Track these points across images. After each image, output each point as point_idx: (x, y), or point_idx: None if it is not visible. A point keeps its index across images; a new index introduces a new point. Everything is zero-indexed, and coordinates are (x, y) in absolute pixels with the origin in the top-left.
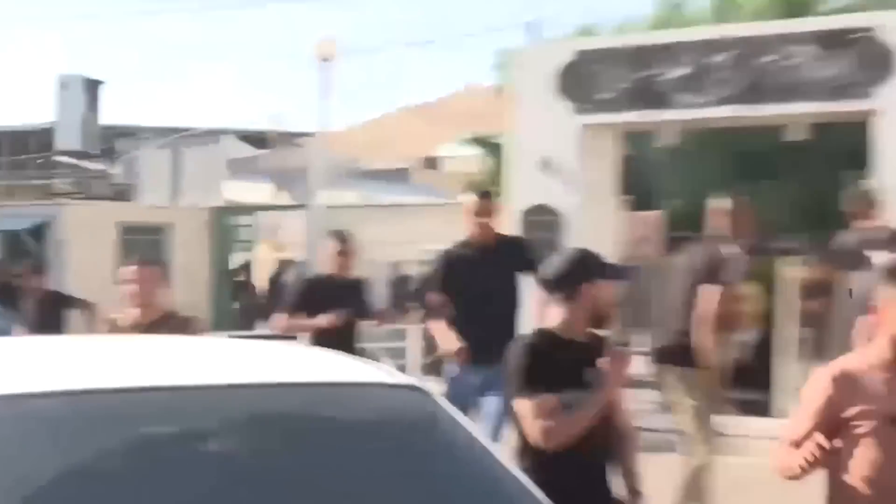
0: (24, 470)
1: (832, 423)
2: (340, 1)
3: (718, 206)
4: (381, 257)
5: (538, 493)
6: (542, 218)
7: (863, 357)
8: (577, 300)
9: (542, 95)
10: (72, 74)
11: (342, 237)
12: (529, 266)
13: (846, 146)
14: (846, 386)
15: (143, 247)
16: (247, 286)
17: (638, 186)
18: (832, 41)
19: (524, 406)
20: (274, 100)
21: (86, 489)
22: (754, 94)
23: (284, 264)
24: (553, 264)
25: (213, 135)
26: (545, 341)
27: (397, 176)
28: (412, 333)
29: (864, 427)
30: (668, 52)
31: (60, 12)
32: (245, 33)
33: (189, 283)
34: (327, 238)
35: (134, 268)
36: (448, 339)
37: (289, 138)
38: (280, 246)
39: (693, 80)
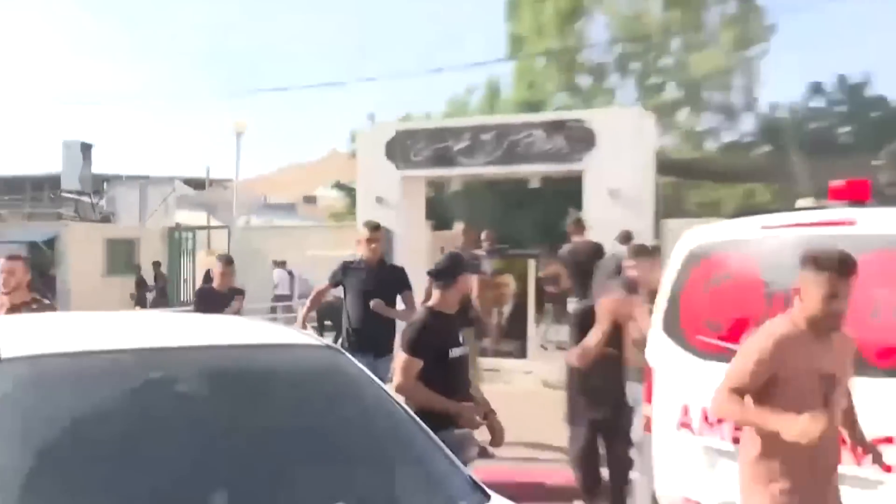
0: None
1: (769, 376)
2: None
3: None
4: (276, 259)
5: (419, 421)
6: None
7: (792, 324)
8: (453, 286)
9: (376, 158)
10: (72, 140)
11: (226, 260)
12: (402, 283)
13: (567, 190)
14: (784, 346)
15: (121, 254)
16: (143, 285)
17: (438, 216)
18: (557, 126)
19: (400, 359)
20: (209, 156)
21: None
22: (508, 158)
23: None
24: (439, 262)
25: (168, 180)
26: (430, 315)
27: (289, 208)
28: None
29: (796, 383)
30: (455, 132)
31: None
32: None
33: (151, 275)
34: (217, 260)
35: (4, 261)
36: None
37: (218, 182)
38: (212, 253)
39: (470, 149)
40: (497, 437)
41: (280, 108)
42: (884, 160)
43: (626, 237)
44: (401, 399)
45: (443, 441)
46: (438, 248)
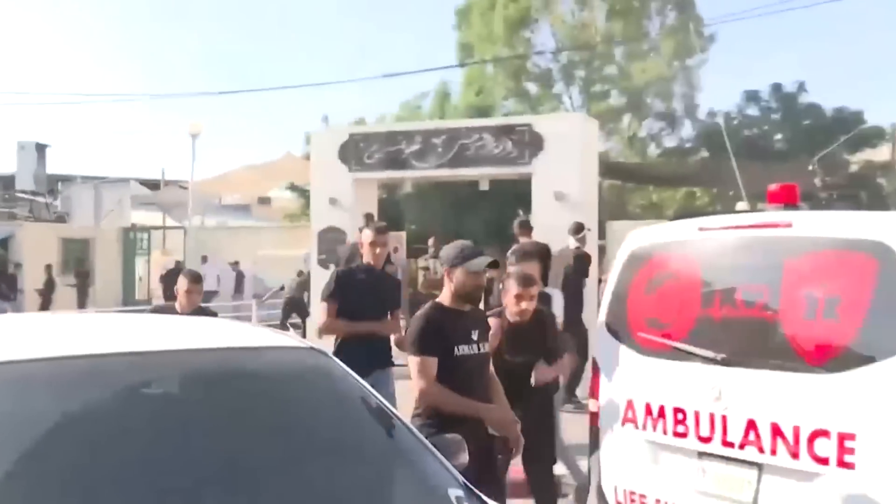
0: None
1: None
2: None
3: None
4: (229, 259)
5: (407, 423)
6: (333, 235)
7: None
8: (451, 279)
9: (330, 160)
10: (27, 140)
11: (192, 277)
12: (396, 299)
13: (516, 192)
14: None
15: (75, 253)
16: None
17: (389, 217)
18: (506, 131)
19: (413, 361)
20: (165, 157)
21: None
22: (459, 161)
23: (168, 264)
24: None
25: (124, 180)
26: (436, 310)
27: (243, 209)
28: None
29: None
30: (407, 135)
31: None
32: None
33: (106, 275)
34: (183, 277)
35: None
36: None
37: (174, 183)
38: (167, 252)
39: (422, 152)
40: (516, 446)
41: (237, 109)
42: (817, 165)
43: (577, 228)
44: (419, 404)
45: (433, 445)
46: (391, 249)
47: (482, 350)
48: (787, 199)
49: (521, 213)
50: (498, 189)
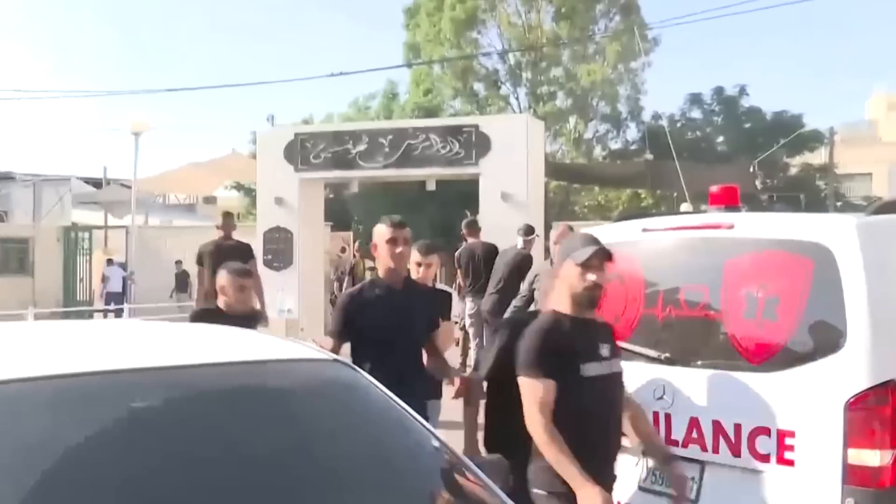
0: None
1: None
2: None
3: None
4: (173, 258)
5: (438, 437)
6: (278, 235)
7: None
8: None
9: (275, 160)
10: None
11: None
12: (443, 307)
13: (463, 193)
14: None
15: (14, 253)
16: None
17: (336, 217)
18: (453, 131)
19: (525, 386)
20: (109, 155)
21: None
22: (406, 161)
23: (109, 262)
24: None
25: (64, 179)
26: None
27: (188, 208)
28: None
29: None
30: (353, 135)
31: None
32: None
33: (46, 275)
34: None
35: None
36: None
37: (116, 182)
38: (109, 252)
39: (368, 152)
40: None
41: (183, 106)
42: (757, 168)
43: (528, 230)
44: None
45: (475, 464)
46: (338, 248)
47: (615, 369)
48: (729, 201)
49: (468, 213)
50: (445, 189)
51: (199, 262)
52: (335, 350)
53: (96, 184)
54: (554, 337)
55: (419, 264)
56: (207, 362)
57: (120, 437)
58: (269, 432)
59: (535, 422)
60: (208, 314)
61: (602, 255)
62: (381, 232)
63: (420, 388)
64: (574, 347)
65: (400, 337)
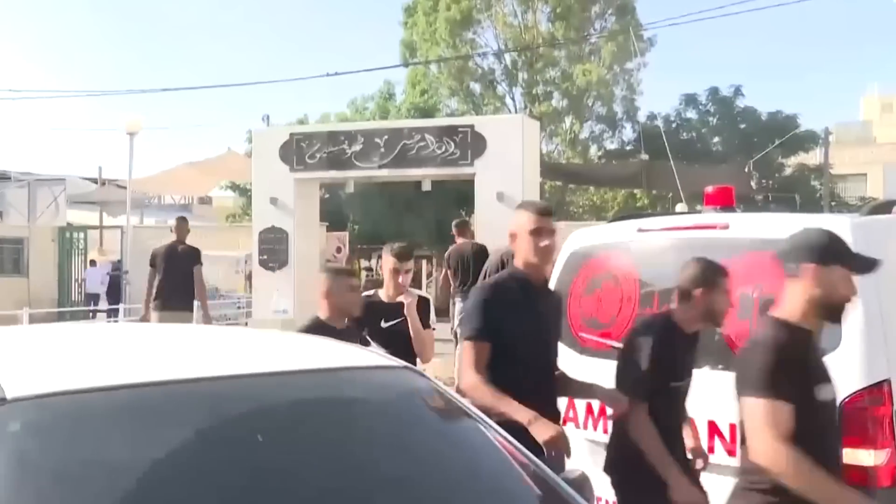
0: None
1: None
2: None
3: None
4: None
5: (529, 454)
6: (273, 235)
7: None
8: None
9: (271, 160)
10: None
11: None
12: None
13: (459, 193)
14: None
15: (9, 253)
16: None
17: (332, 217)
18: (449, 131)
19: (759, 408)
20: (105, 155)
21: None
22: (401, 162)
23: (92, 264)
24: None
25: (59, 179)
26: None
27: (182, 207)
28: None
29: None
30: (349, 135)
31: None
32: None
33: (40, 275)
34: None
35: None
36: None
37: (112, 182)
38: (104, 252)
39: (364, 152)
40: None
41: (179, 107)
42: (752, 168)
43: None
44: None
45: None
46: (334, 248)
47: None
48: (724, 202)
49: (463, 213)
50: (440, 189)
51: (152, 263)
52: (480, 361)
53: (92, 182)
54: (788, 354)
55: (397, 271)
56: (281, 370)
57: (206, 446)
58: (343, 442)
59: (779, 457)
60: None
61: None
62: (524, 220)
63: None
64: (808, 366)
65: (541, 351)
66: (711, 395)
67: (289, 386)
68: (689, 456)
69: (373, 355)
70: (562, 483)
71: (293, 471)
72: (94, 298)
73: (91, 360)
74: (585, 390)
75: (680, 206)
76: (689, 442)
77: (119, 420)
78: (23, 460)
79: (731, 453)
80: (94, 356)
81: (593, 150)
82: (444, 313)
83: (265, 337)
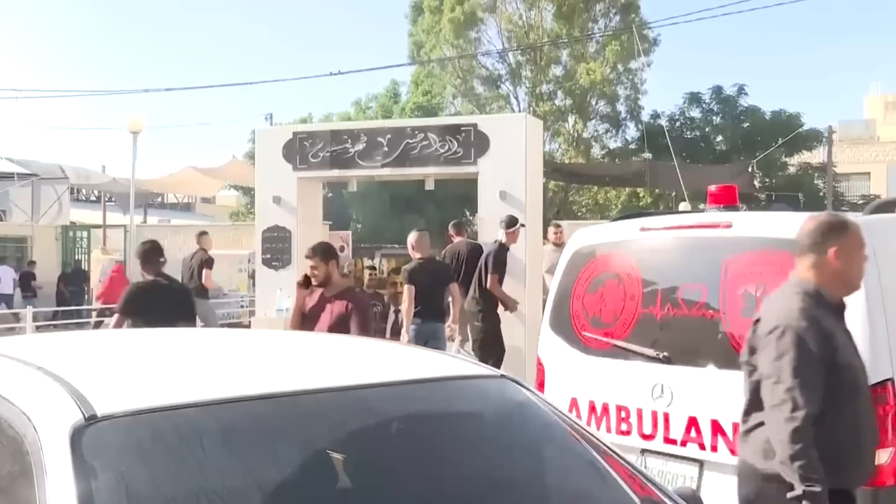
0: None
1: None
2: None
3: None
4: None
5: (626, 460)
6: (276, 234)
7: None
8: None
9: (274, 159)
10: None
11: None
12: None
13: (462, 192)
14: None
15: (12, 252)
16: None
17: (335, 215)
18: (452, 130)
19: None
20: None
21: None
22: (404, 161)
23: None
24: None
25: (63, 178)
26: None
27: (186, 207)
28: None
29: None
30: (352, 134)
31: None
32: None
33: (43, 274)
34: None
35: None
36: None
37: (115, 181)
38: (107, 251)
39: (367, 151)
40: None
41: (183, 106)
42: (756, 167)
43: (509, 222)
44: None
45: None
46: (337, 247)
47: None
48: (727, 200)
49: (466, 212)
50: (444, 188)
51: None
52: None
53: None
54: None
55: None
56: (380, 381)
57: (317, 462)
58: (443, 452)
59: None
60: None
61: None
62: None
63: None
64: None
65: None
66: (713, 394)
67: (395, 398)
68: None
69: (471, 364)
70: (674, 496)
71: (411, 484)
72: (5, 300)
73: (183, 371)
74: None
75: (683, 205)
76: None
77: (217, 437)
78: (117, 484)
79: (734, 452)
80: (185, 366)
81: (596, 149)
82: None
83: (365, 346)
